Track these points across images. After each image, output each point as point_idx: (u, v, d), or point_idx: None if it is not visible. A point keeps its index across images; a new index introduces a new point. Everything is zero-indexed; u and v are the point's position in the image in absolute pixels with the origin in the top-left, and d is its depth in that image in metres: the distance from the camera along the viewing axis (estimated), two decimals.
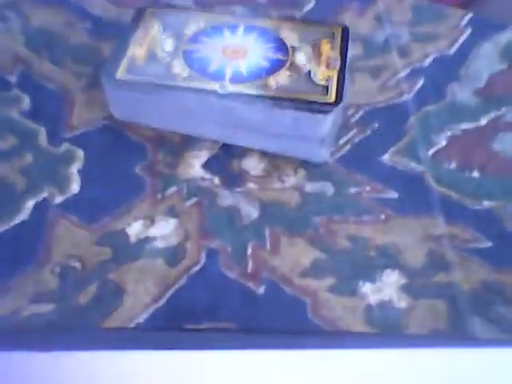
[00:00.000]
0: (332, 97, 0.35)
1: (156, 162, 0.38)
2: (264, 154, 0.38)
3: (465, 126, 0.40)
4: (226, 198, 0.36)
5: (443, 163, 0.38)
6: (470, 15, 0.47)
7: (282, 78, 0.36)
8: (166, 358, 0.30)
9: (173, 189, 0.36)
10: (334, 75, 0.36)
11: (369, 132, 0.39)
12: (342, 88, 0.36)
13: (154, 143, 0.39)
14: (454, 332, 0.31)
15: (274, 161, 0.38)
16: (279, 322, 0.31)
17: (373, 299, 0.32)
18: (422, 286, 0.32)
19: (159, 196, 0.36)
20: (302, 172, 0.37)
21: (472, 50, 0.44)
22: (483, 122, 0.40)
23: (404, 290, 0.32)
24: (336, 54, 0.37)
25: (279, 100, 0.35)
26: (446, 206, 0.36)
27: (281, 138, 0.37)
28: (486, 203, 0.36)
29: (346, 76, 0.37)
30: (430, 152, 0.38)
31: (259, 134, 0.37)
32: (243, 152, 0.38)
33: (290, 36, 0.39)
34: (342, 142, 0.39)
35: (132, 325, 0.31)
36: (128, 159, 0.38)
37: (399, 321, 0.31)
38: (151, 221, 0.35)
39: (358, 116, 0.40)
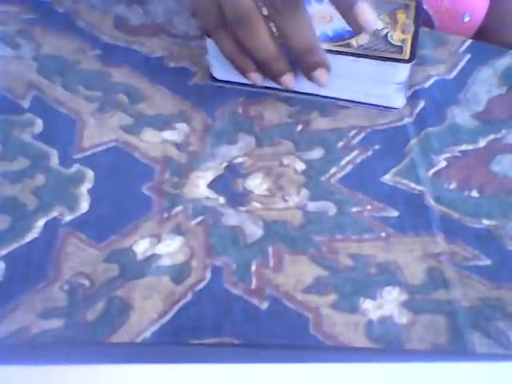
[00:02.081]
0: (407, 55, 0.41)
1: (163, 182, 0.39)
2: (267, 173, 0.39)
3: (464, 147, 0.41)
4: (231, 217, 0.37)
5: (443, 183, 0.39)
6: (469, 41, 0.48)
7: (362, 39, 0.42)
8: (171, 372, 0.30)
9: (179, 208, 0.37)
10: (409, 38, 0.43)
11: (370, 153, 0.40)
12: (415, 48, 0.42)
13: (160, 164, 0.40)
14: (453, 347, 0.31)
15: (278, 180, 0.39)
16: (282, 337, 0.32)
17: (373, 315, 0.32)
18: (422, 302, 0.33)
19: (165, 215, 0.37)
20: (304, 192, 0.38)
21: (471, 74, 0.46)
22: (482, 143, 0.41)
23: (404, 306, 0.33)
24: (410, 22, 0.44)
25: (360, 55, 0.41)
26: (445, 224, 0.36)
27: (364, 85, 0.42)
28: (486, 222, 0.37)
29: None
30: (430, 172, 0.39)
31: (345, 83, 0.43)
32: (247, 172, 0.39)
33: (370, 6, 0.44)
34: (343, 162, 0.40)
35: (139, 340, 0.31)
36: (136, 179, 0.39)
37: (399, 336, 0.32)
38: (158, 239, 0.36)
39: (359, 138, 0.41)
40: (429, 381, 0.30)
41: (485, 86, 0.45)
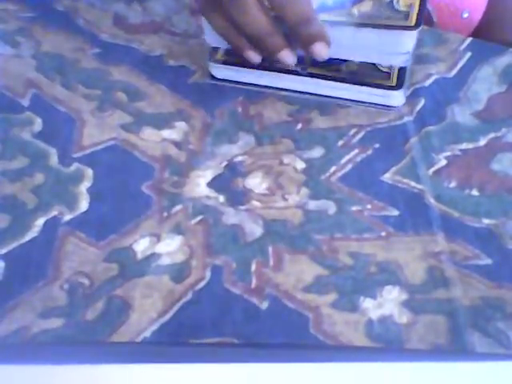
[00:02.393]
0: (412, 21, 0.38)
1: (162, 181, 0.39)
2: (267, 172, 0.39)
3: (464, 146, 0.41)
4: (231, 216, 0.37)
5: (443, 182, 0.39)
6: (469, 40, 0.48)
7: (365, 6, 0.40)
8: (171, 372, 0.30)
9: (178, 207, 0.37)
10: (416, 3, 0.40)
11: (370, 152, 0.40)
12: (423, 13, 0.39)
13: (160, 163, 0.40)
14: (453, 347, 0.31)
15: (278, 179, 0.39)
16: (282, 337, 0.32)
17: (374, 314, 0.32)
18: (422, 301, 0.33)
19: (165, 214, 0.37)
20: (304, 190, 0.38)
21: (471, 73, 0.46)
22: (482, 142, 0.41)
23: (404, 306, 0.33)
24: None
25: (362, 25, 0.39)
26: (445, 223, 0.36)
27: (369, 56, 0.41)
28: (486, 221, 0.37)
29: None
30: (430, 171, 0.39)
31: (349, 55, 0.42)
32: (247, 171, 0.39)
33: None
34: (343, 161, 0.40)
35: (139, 339, 0.31)
36: (135, 178, 0.39)
37: (399, 335, 0.32)
38: (157, 238, 0.36)
39: (359, 136, 0.41)
40: (429, 381, 0.30)
41: (485, 84, 0.45)
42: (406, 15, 0.39)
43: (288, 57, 0.40)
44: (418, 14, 0.39)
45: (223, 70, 0.44)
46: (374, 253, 0.35)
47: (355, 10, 0.40)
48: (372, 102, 0.43)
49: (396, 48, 0.39)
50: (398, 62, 0.40)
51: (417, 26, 0.39)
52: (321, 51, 0.39)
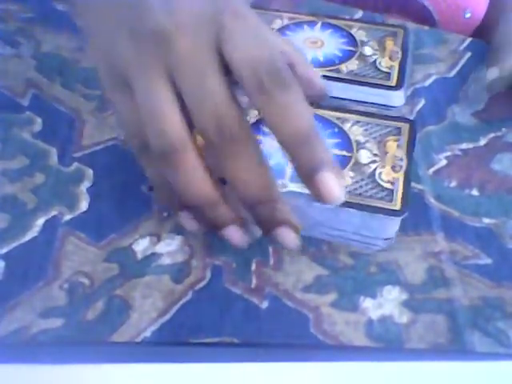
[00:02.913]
0: (394, 82, 0.43)
1: None
2: None
3: (464, 146, 0.41)
4: None
5: (443, 182, 0.39)
6: (469, 40, 0.48)
7: (352, 65, 0.43)
8: (171, 371, 0.30)
9: None
10: (396, 65, 0.44)
11: None
12: (403, 76, 0.43)
13: None
14: (453, 346, 0.31)
15: None
16: (282, 336, 0.32)
17: (374, 314, 0.32)
18: (422, 301, 0.33)
19: (165, 214, 0.37)
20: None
21: (471, 73, 0.46)
22: (482, 142, 0.41)
23: (404, 306, 0.33)
24: (398, 49, 0.45)
25: (349, 82, 0.43)
26: (445, 223, 0.36)
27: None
28: (486, 221, 0.37)
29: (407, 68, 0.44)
30: (431, 171, 0.39)
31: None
32: None
33: (359, 33, 0.46)
34: None
35: (139, 339, 0.31)
36: (135, 178, 0.39)
37: (400, 335, 0.32)
38: (157, 238, 0.36)
39: None
40: (429, 381, 0.30)
41: (485, 84, 0.45)
42: (388, 75, 0.43)
43: (234, 236, 0.32)
44: (398, 76, 0.43)
45: None
46: (374, 253, 0.35)
47: (343, 67, 0.43)
48: (372, 102, 0.43)
49: (377, 233, 0.35)
50: (377, 246, 0.35)
51: (398, 86, 0.42)
52: (285, 238, 0.31)
